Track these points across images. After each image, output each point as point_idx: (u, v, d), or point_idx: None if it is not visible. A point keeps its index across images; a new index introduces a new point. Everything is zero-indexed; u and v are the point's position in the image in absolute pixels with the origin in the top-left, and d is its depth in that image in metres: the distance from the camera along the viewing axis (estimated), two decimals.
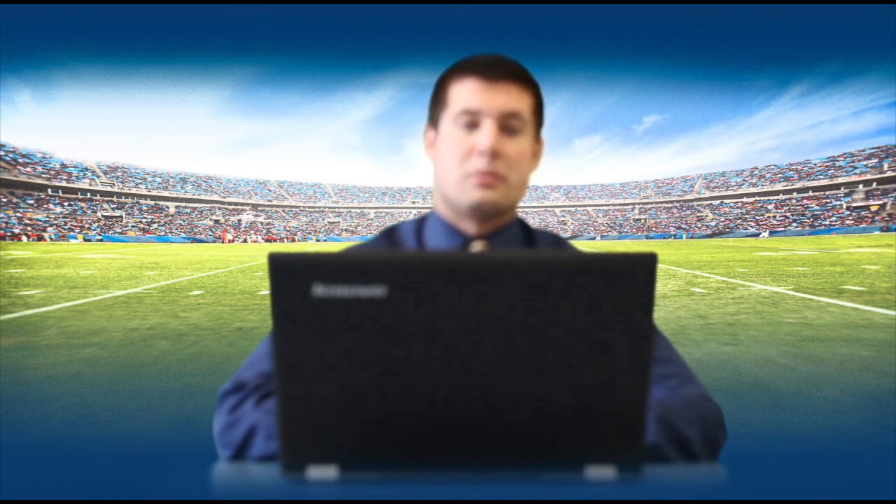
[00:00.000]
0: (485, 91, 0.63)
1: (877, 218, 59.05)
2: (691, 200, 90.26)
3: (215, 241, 59.81)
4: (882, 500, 0.41)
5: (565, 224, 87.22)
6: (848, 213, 63.57)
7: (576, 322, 0.39)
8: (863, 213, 62.02)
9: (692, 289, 7.93)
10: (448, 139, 0.65)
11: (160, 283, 9.47)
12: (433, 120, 0.69)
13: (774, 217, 70.93)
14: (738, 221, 72.74)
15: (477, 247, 0.69)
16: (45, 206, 61.10)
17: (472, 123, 0.64)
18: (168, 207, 75.34)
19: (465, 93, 0.64)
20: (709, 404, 0.64)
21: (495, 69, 0.63)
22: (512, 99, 0.63)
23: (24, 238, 45.65)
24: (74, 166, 72.01)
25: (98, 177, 72.27)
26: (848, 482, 0.44)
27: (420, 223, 0.76)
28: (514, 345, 0.40)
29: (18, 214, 55.10)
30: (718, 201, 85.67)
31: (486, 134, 0.62)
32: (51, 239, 48.16)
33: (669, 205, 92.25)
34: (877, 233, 50.04)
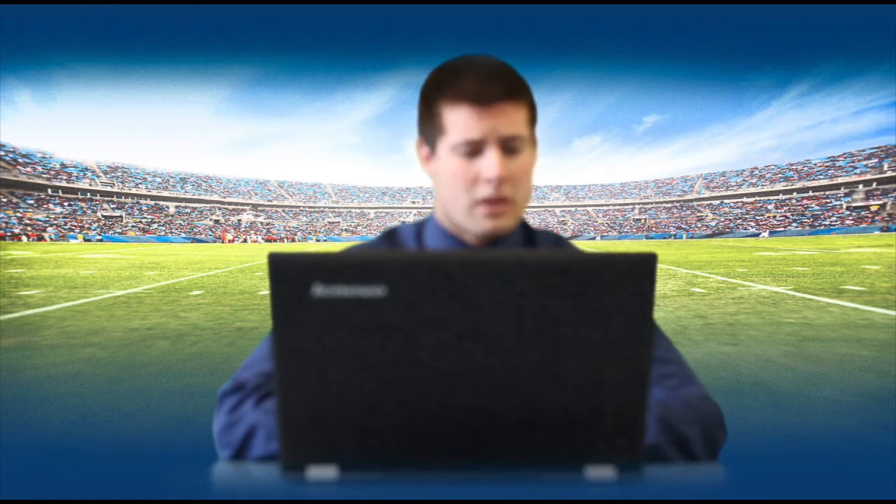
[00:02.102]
0: (481, 118, 0.60)
1: (877, 218, 59.06)
2: (691, 200, 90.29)
3: (215, 241, 59.81)
4: (882, 501, 0.41)
5: (565, 224, 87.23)
6: (848, 213, 63.58)
7: (576, 322, 0.39)
8: (863, 213, 62.04)
9: (692, 289, 7.93)
10: (450, 168, 0.64)
11: (160, 283, 9.47)
12: (426, 136, 0.67)
13: (774, 217, 70.96)
14: (738, 221, 72.78)
15: None
16: (45, 206, 61.10)
17: (474, 151, 0.62)
18: (168, 207, 75.37)
19: (462, 122, 0.61)
20: (709, 404, 0.64)
21: (488, 89, 0.60)
22: (510, 121, 0.61)
23: (24, 238, 45.65)
24: (74, 166, 72.02)
25: (98, 177, 72.28)
26: (848, 482, 0.44)
27: (420, 226, 0.75)
28: (515, 345, 0.40)
29: (18, 214, 55.11)
30: (718, 201, 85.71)
31: (492, 162, 0.61)
32: (51, 239, 48.17)
33: (669, 205, 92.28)
34: (877, 233, 50.03)
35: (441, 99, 0.62)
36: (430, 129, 0.65)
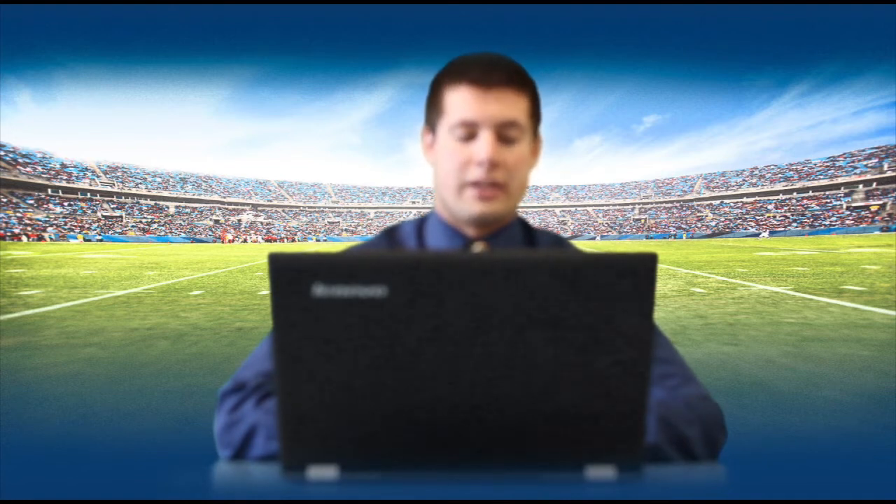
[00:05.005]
0: (480, 100, 0.61)
1: (877, 218, 59.03)
2: (691, 200, 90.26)
3: (215, 241, 59.78)
4: (882, 501, 0.41)
5: (565, 224, 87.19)
6: (848, 213, 63.55)
7: (576, 322, 0.39)
8: (863, 213, 62.01)
9: (692, 289, 7.93)
10: (446, 149, 0.65)
11: (160, 283, 9.46)
12: (430, 123, 0.68)
13: (774, 217, 70.92)
14: (738, 221, 72.74)
15: (478, 248, 0.69)
16: (45, 206, 61.07)
17: (470, 134, 0.63)
18: (168, 207, 75.34)
19: (461, 102, 0.62)
20: (709, 404, 0.64)
21: (490, 75, 0.61)
22: (508, 107, 0.62)
23: (24, 238, 45.62)
24: (74, 166, 71.98)
25: (98, 177, 72.24)
26: (848, 482, 0.44)
27: (421, 223, 0.75)
28: (515, 345, 0.39)
29: (18, 214, 55.08)
30: (718, 201, 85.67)
31: (484, 144, 0.61)
32: (51, 239, 48.14)
33: (669, 205, 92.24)
34: (877, 233, 50.00)
35: (445, 82, 0.64)
36: (433, 112, 0.67)
